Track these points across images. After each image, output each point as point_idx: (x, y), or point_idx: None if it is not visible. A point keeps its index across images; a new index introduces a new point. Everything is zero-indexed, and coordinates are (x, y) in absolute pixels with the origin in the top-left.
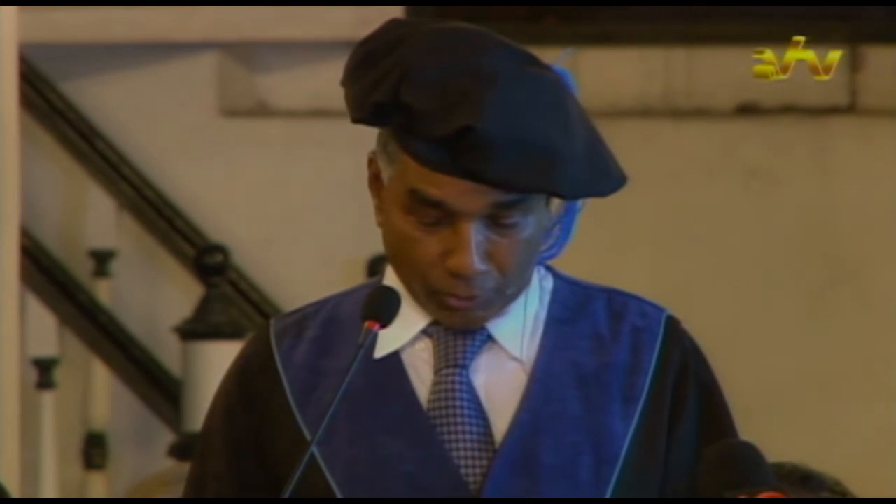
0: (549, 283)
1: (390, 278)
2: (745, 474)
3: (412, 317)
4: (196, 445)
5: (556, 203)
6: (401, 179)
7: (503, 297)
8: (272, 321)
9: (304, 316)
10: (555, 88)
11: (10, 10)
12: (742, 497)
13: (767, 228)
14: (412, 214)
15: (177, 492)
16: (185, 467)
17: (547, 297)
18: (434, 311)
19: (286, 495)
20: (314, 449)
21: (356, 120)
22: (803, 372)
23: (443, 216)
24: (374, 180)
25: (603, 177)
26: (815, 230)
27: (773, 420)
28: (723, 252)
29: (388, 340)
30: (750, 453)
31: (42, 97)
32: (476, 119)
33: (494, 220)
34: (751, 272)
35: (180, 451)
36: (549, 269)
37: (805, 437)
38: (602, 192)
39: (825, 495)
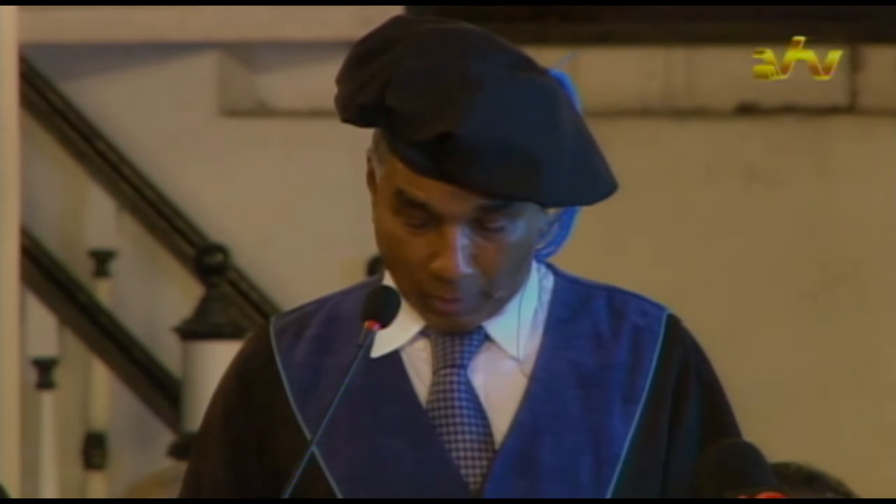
0: (549, 281)
1: (389, 278)
2: (745, 474)
3: (411, 317)
4: (194, 444)
5: None
6: (389, 180)
7: (492, 301)
8: (272, 319)
9: (305, 314)
10: (545, 94)
11: (10, 10)
12: (742, 497)
13: (767, 228)
14: (399, 216)
15: (176, 492)
16: (185, 467)
17: (547, 296)
18: (422, 313)
19: (286, 495)
20: (314, 449)
21: (344, 119)
22: (803, 372)
23: (429, 218)
24: (370, 178)
25: (589, 186)
26: (815, 230)
27: (772, 420)
28: (722, 252)
29: (386, 340)
30: (750, 453)
31: (42, 97)
32: (456, 125)
33: (480, 223)
34: (750, 272)
35: (180, 451)
36: (549, 267)
37: (804, 437)
38: (586, 202)
39: (829, 496)
